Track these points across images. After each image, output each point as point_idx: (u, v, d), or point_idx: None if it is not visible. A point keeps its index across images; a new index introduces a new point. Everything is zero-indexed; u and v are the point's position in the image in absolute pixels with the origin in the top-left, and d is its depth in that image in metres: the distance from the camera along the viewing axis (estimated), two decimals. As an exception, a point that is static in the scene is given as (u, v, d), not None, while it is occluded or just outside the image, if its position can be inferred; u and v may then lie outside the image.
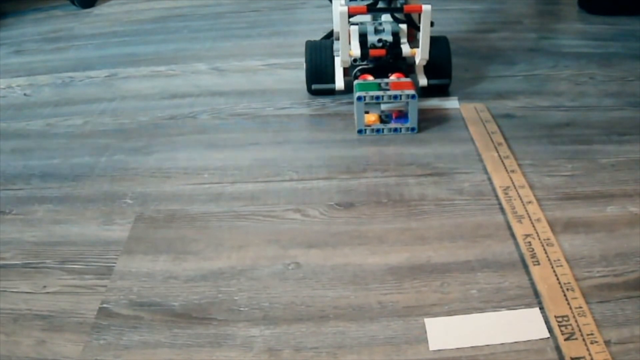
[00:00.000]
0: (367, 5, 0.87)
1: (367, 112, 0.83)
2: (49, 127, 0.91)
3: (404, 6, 0.86)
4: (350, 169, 0.77)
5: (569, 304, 0.54)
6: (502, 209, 0.68)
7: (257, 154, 0.81)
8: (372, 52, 0.87)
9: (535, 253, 0.60)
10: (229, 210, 0.70)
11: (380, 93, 0.81)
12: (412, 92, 0.81)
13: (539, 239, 0.62)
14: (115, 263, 0.63)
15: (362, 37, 0.89)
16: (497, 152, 0.78)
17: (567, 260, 0.60)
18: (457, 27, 1.23)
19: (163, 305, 0.57)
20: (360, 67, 0.89)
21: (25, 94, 1.03)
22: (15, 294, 0.60)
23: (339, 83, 0.91)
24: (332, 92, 0.94)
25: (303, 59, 0.95)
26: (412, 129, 0.83)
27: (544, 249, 0.61)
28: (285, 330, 0.54)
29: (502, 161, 0.76)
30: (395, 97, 0.81)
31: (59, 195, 0.75)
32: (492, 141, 0.80)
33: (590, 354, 0.49)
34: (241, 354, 0.52)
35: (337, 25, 0.89)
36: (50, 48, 1.25)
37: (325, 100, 0.94)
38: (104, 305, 0.57)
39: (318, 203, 0.70)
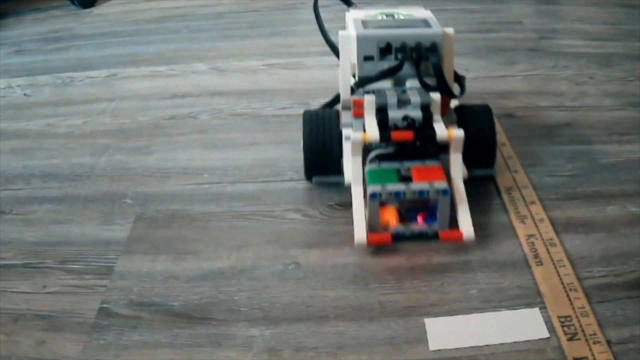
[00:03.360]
0: (392, 69, 0.66)
1: (382, 204, 0.63)
2: (49, 127, 0.91)
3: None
4: (350, 169, 0.77)
5: (571, 304, 0.54)
6: (504, 209, 0.68)
7: (257, 154, 0.81)
8: (395, 136, 0.63)
9: (538, 253, 0.60)
10: (229, 210, 0.70)
11: (400, 187, 0.61)
12: (443, 185, 0.61)
13: (542, 239, 0.62)
14: (115, 263, 0.63)
15: (381, 113, 0.65)
16: (500, 152, 0.78)
17: (569, 260, 0.60)
18: (457, 27, 1.22)
19: (163, 305, 0.57)
20: (377, 151, 0.67)
21: (25, 94, 1.03)
22: (15, 294, 0.60)
23: (349, 175, 0.66)
24: (339, 185, 0.70)
25: (303, 59, 0.94)
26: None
27: (547, 249, 0.61)
28: (285, 330, 0.54)
29: (506, 161, 0.76)
30: (421, 192, 0.61)
31: (59, 195, 0.75)
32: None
33: (592, 354, 0.49)
34: (241, 354, 0.52)
35: (347, 93, 0.70)
36: (50, 48, 1.25)
37: (325, 100, 0.94)
38: (104, 305, 0.57)
39: (318, 203, 0.70)
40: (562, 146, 0.80)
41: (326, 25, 0.79)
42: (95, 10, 1.49)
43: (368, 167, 0.64)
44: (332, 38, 0.76)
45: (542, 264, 0.59)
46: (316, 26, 0.79)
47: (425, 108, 0.64)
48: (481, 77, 1.00)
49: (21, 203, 0.74)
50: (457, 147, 0.64)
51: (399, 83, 0.68)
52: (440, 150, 0.67)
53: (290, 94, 0.97)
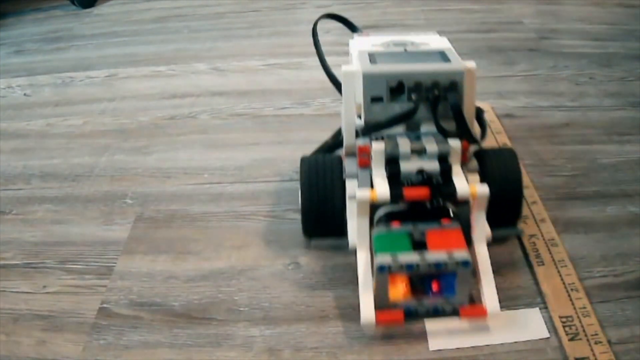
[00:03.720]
0: (406, 114, 0.57)
1: (390, 272, 0.52)
2: (49, 127, 0.91)
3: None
4: (350, 169, 0.76)
5: (573, 304, 0.54)
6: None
7: (257, 154, 0.81)
8: (409, 193, 0.54)
9: (539, 253, 0.60)
10: (229, 210, 0.70)
11: (413, 258, 0.51)
12: (463, 255, 0.51)
13: (544, 239, 0.62)
14: (115, 263, 0.63)
15: (392, 165, 0.56)
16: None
17: (571, 260, 0.60)
18: (457, 27, 1.23)
19: (163, 305, 0.57)
20: (386, 209, 0.57)
21: (25, 94, 1.03)
22: (15, 294, 0.60)
23: (354, 238, 0.57)
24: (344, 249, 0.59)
25: (303, 59, 0.94)
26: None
27: (548, 249, 0.61)
28: (285, 330, 0.54)
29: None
30: (438, 264, 0.51)
31: (59, 195, 0.75)
32: (497, 142, 0.80)
33: (594, 354, 0.49)
34: (241, 354, 0.52)
35: (350, 139, 0.61)
36: (50, 48, 1.25)
37: (325, 100, 0.94)
38: (104, 305, 0.57)
39: (318, 203, 0.70)
40: (562, 146, 0.80)
41: (326, 50, 0.70)
42: (95, 10, 1.49)
43: (376, 230, 0.54)
44: (333, 65, 0.69)
45: (543, 264, 0.59)
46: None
47: (443, 158, 0.55)
48: (481, 77, 1.00)
49: (21, 203, 0.74)
50: (481, 206, 0.55)
51: (412, 127, 0.58)
52: (459, 203, 0.57)
53: (290, 94, 0.97)
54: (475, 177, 0.60)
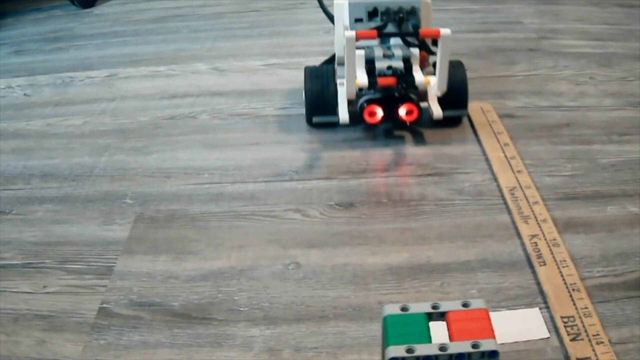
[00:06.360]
0: (377, 28, 0.79)
1: None
2: (49, 127, 0.91)
3: (420, 30, 0.75)
4: (350, 169, 0.77)
5: (574, 304, 0.54)
6: (507, 209, 0.68)
7: (257, 154, 0.81)
8: (381, 81, 0.77)
9: (541, 253, 0.60)
10: (229, 210, 0.70)
11: (433, 350, 0.42)
12: (490, 344, 0.43)
13: (545, 239, 0.62)
14: (115, 263, 0.63)
15: (369, 64, 0.79)
16: (504, 152, 0.78)
17: (572, 260, 0.60)
18: (457, 27, 1.23)
19: (163, 305, 0.57)
20: (366, 97, 0.79)
21: (25, 94, 1.03)
22: (15, 294, 0.60)
23: (343, 115, 0.79)
24: (335, 125, 0.85)
25: (303, 59, 0.95)
26: None
27: (550, 250, 0.61)
28: (285, 330, 0.54)
29: (509, 162, 0.76)
30: (461, 356, 0.43)
31: (59, 195, 0.75)
32: (499, 142, 0.80)
33: (596, 355, 0.49)
34: (241, 354, 0.52)
35: (342, 51, 0.80)
36: (50, 48, 1.25)
37: (325, 100, 0.94)
38: (104, 305, 0.57)
39: (318, 203, 0.70)
40: (562, 146, 0.80)
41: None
42: (95, 10, 1.49)
43: (388, 309, 0.45)
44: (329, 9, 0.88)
45: (545, 264, 0.59)
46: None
47: (407, 60, 0.79)
48: (481, 77, 1.00)
49: (21, 203, 0.74)
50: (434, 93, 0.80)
51: (385, 41, 0.82)
52: (422, 97, 0.81)
53: (290, 94, 0.97)
54: (432, 76, 0.80)
